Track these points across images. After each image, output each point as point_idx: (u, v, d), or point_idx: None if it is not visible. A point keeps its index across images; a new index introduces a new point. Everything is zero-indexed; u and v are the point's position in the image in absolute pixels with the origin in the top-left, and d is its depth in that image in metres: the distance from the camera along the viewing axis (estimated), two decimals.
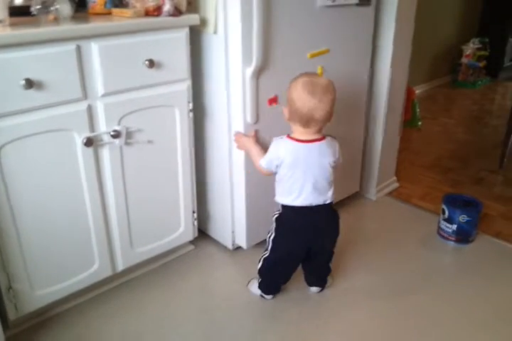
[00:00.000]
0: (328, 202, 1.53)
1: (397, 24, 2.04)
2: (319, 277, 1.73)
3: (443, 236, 2.09)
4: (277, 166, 1.49)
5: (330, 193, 1.53)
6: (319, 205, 1.51)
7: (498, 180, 2.66)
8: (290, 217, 1.55)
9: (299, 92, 1.42)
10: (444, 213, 2.07)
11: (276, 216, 1.57)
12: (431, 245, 2.06)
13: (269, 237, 1.59)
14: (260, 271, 1.66)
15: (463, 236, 2.04)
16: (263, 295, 1.69)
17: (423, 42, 2.80)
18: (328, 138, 1.52)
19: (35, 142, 1.32)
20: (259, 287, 1.69)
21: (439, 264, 1.94)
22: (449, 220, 2.05)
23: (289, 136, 1.49)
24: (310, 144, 1.47)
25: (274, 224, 1.57)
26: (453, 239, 2.05)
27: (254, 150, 1.60)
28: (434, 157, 2.92)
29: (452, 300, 1.72)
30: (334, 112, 1.86)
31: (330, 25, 1.80)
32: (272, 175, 1.55)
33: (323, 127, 1.49)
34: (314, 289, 1.74)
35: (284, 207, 1.55)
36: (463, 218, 2.02)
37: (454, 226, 2.03)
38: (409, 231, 2.15)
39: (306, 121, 1.44)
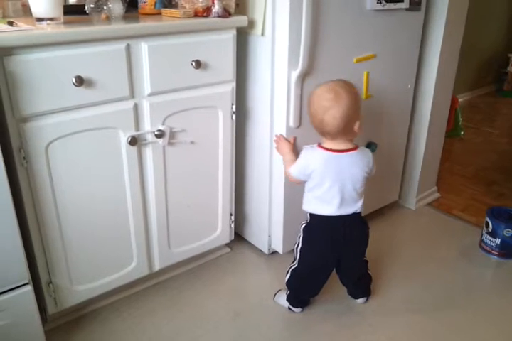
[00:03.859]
0: (357, 212, 1.49)
1: (446, 31, 1.99)
2: (362, 287, 1.69)
3: (485, 250, 2.02)
4: (307, 175, 1.46)
5: (359, 204, 1.48)
6: (347, 215, 1.47)
7: None
8: (317, 226, 1.51)
9: (313, 102, 1.42)
10: (487, 226, 2.00)
11: (303, 225, 1.55)
12: (472, 258, 1.99)
13: (296, 247, 1.57)
14: (288, 283, 1.62)
15: (507, 250, 1.97)
16: (291, 308, 1.65)
17: (468, 49, 2.73)
18: (362, 148, 1.49)
19: (81, 139, 1.34)
20: (288, 299, 1.65)
21: (480, 279, 1.88)
22: (493, 234, 1.98)
23: (320, 145, 1.46)
24: (341, 154, 1.43)
25: (301, 234, 1.55)
26: (496, 253, 1.99)
27: (289, 156, 1.57)
28: (476, 168, 2.84)
29: (492, 318, 1.65)
30: (377, 119, 1.82)
31: (378, 30, 1.77)
32: (299, 183, 1.52)
33: (351, 137, 1.44)
34: (361, 300, 1.70)
35: (311, 216, 1.52)
36: (508, 232, 1.95)
37: (498, 240, 1.96)
38: (450, 243, 2.08)
39: (321, 132, 1.43)
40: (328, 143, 1.45)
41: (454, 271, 1.90)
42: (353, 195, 1.46)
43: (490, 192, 2.54)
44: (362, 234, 1.55)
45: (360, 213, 1.51)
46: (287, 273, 1.61)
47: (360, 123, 1.42)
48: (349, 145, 1.44)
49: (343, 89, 1.37)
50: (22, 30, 1.19)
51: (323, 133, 1.43)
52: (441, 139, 2.32)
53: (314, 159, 1.45)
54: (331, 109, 1.36)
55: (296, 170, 1.49)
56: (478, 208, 2.35)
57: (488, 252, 2.01)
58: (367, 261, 1.65)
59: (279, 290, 1.71)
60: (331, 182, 1.43)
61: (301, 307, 1.66)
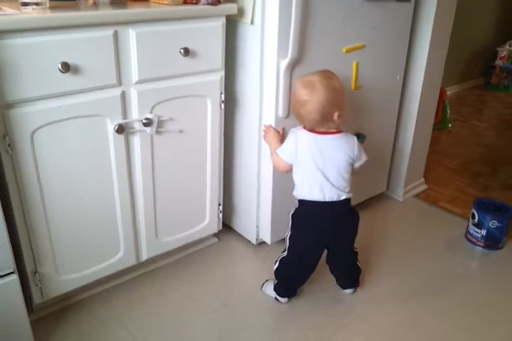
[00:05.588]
0: (343, 197, 1.48)
1: (435, 23, 1.99)
2: (351, 278, 1.70)
3: (471, 241, 2.04)
4: (294, 157, 1.47)
5: (346, 189, 1.49)
6: (335, 201, 1.48)
7: None
8: (306, 212, 1.52)
9: (293, 95, 1.47)
10: (473, 217, 2.02)
11: (292, 212, 1.55)
12: (458, 249, 2.01)
13: (287, 236, 1.57)
14: (277, 272, 1.62)
15: (492, 242, 1.99)
16: (278, 298, 1.65)
17: (457, 42, 2.74)
18: (347, 134, 1.50)
19: (68, 127, 1.32)
20: (275, 289, 1.65)
21: (465, 269, 1.90)
22: (479, 225, 2.00)
23: (305, 127, 1.48)
24: (325, 136, 1.46)
25: (290, 222, 1.55)
26: (481, 244, 2.01)
27: (276, 146, 1.57)
28: (463, 160, 2.86)
29: (476, 307, 1.68)
30: (366, 110, 1.82)
31: (368, 20, 1.76)
32: (285, 169, 1.53)
33: (331, 125, 1.45)
34: (348, 291, 1.71)
35: (300, 202, 1.53)
36: (493, 223, 1.97)
37: (484, 232, 1.98)
38: (436, 234, 2.10)
39: (300, 122, 1.48)
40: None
41: (440, 262, 1.92)
42: (339, 180, 1.47)
43: (476, 184, 2.56)
44: (351, 222, 1.56)
45: (349, 200, 1.51)
46: (276, 262, 1.61)
47: (341, 113, 1.43)
48: (332, 130, 1.47)
49: (320, 83, 1.40)
50: (7, 15, 1.16)
51: (302, 123, 1.48)
52: (429, 131, 2.33)
53: (300, 139, 1.46)
54: (306, 104, 1.41)
55: (283, 151, 1.50)
56: (464, 200, 2.37)
57: (474, 243, 2.03)
58: (357, 253, 1.66)
59: (267, 280, 1.71)
60: (315, 163, 1.44)
61: (287, 297, 1.66)
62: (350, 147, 1.48)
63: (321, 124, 1.44)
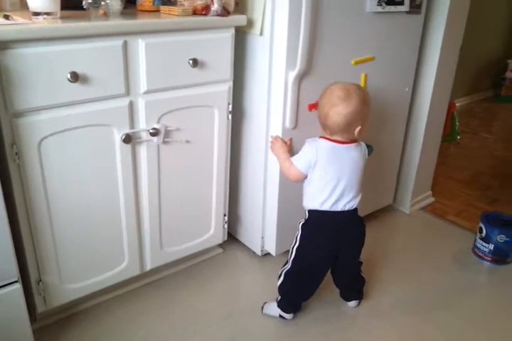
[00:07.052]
0: (354, 207, 1.49)
1: (445, 34, 1.99)
2: (355, 289, 1.69)
3: (478, 256, 2.02)
4: (311, 167, 1.47)
5: (357, 198, 1.50)
6: (345, 211, 1.48)
7: None
8: (316, 222, 1.51)
9: (325, 96, 1.46)
10: (481, 231, 2.00)
11: (302, 223, 1.54)
12: (465, 263, 1.99)
13: (293, 247, 1.55)
14: (281, 287, 1.59)
15: (500, 256, 1.97)
16: (283, 315, 1.61)
17: (467, 53, 2.72)
18: (360, 143, 1.52)
19: (75, 136, 1.32)
20: (279, 306, 1.61)
21: (472, 284, 1.87)
22: (486, 239, 1.97)
23: (323, 137, 1.48)
24: (344, 145, 1.46)
25: (299, 232, 1.54)
26: (489, 259, 1.98)
27: (284, 156, 1.57)
28: (472, 173, 2.84)
29: (482, 323, 1.65)
30: (374, 122, 1.81)
31: (377, 32, 1.76)
32: (300, 180, 1.52)
33: (350, 138, 1.46)
34: (352, 303, 1.69)
35: (310, 212, 1.51)
36: (501, 238, 1.95)
37: (491, 246, 1.96)
38: (443, 247, 2.08)
39: (323, 125, 1.47)
40: (330, 137, 1.48)
41: (447, 275, 1.90)
42: (354, 186, 1.48)
43: (484, 198, 2.54)
44: (360, 231, 1.56)
45: (356, 210, 1.51)
46: (280, 277, 1.59)
47: (362, 129, 1.45)
48: (347, 140, 1.47)
49: (356, 93, 1.42)
50: (18, 24, 1.17)
51: (325, 126, 1.47)
52: (437, 143, 2.32)
53: (320, 149, 1.46)
54: (338, 105, 1.41)
55: (299, 161, 1.49)
56: (472, 213, 2.35)
57: (481, 258, 2.00)
58: (361, 263, 1.65)
59: (265, 303, 1.66)
60: (335, 172, 1.45)
61: (293, 312, 1.62)
62: (364, 152, 1.52)
63: (342, 133, 1.45)
